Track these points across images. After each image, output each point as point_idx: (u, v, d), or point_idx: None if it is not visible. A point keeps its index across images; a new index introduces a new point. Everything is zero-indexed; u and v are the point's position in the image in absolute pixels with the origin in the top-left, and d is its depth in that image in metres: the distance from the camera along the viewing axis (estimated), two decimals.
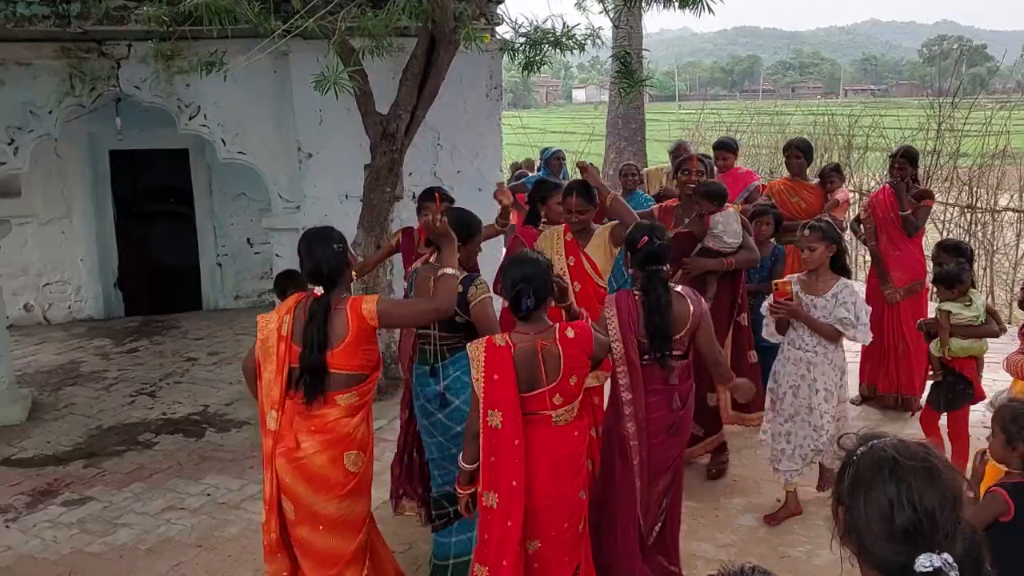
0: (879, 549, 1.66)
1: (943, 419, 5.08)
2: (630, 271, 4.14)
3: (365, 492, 3.71)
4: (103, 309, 9.96)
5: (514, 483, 3.36)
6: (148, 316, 9.95)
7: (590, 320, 3.83)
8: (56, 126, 6.83)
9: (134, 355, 8.58)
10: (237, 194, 10.09)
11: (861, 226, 6.68)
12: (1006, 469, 3.09)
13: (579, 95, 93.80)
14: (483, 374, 3.38)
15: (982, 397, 4.97)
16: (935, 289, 4.82)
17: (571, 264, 4.76)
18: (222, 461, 5.99)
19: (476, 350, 3.42)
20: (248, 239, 10.27)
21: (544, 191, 5.43)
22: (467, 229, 4.23)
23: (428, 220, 3.93)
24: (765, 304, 4.66)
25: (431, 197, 4.97)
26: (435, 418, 4.20)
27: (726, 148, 7.28)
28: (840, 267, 4.62)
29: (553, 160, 8.50)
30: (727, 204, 5.41)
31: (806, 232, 4.55)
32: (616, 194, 4.90)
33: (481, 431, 3.40)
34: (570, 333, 3.43)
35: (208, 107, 6.93)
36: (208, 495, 5.51)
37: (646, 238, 3.88)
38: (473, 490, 3.54)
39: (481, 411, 3.39)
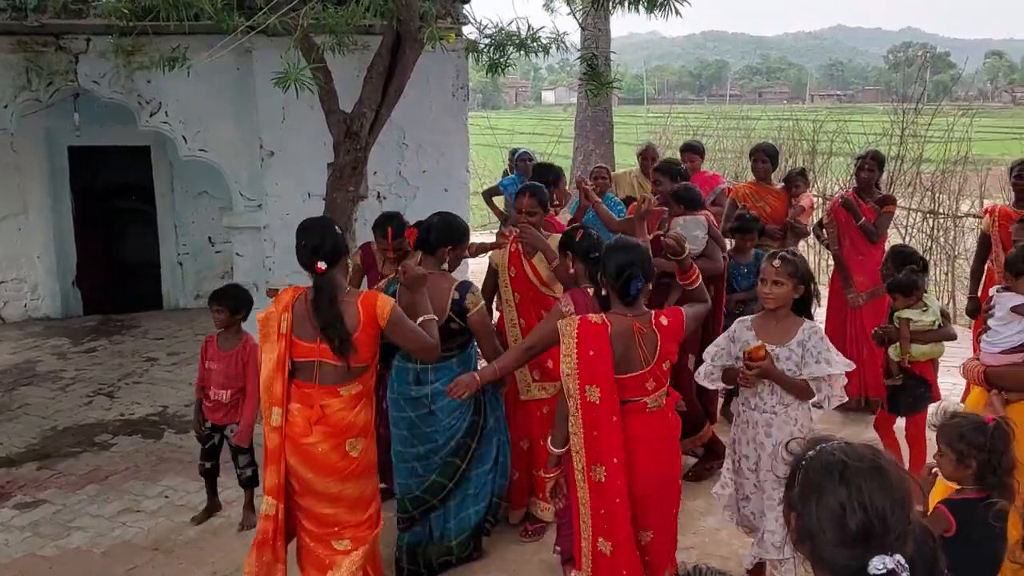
0: (833, 554, 1.66)
1: (900, 421, 5.12)
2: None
3: (370, 473, 3.84)
4: (61, 308, 9.77)
5: (615, 460, 3.41)
6: (107, 315, 9.78)
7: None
8: (12, 121, 6.68)
9: (92, 355, 8.43)
10: (199, 192, 9.95)
11: (824, 231, 6.73)
12: (956, 487, 3.09)
13: (548, 97, 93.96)
14: (576, 350, 3.41)
15: (939, 398, 5.01)
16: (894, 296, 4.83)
17: (512, 275, 4.78)
18: (181, 463, 5.90)
19: (568, 326, 3.47)
20: (210, 238, 10.13)
21: (552, 175, 5.65)
22: (455, 234, 4.31)
23: (398, 271, 4.07)
24: (712, 352, 3.99)
25: (383, 230, 4.99)
26: (406, 415, 4.19)
27: (692, 150, 7.32)
28: (803, 310, 3.88)
29: (520, 162, 8.46)
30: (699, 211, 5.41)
31: (775, 263, 3.75)
32: (598, 200, 5.03)
33: (580, 408, 3.42)
34: (664, 320, 3.53)
35: (169, 103, 6.81)
36: (166, 497, 5.42)
37: (580, 231, 4.29)
38: (559, 472, 3.64)
39: (578, 387, 3.41)
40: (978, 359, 3.87)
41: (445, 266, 4.34)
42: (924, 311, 4.74)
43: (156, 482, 5.63)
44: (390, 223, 4.99)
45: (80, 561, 4.71)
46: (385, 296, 3.76)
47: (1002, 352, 3.76)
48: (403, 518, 4.34)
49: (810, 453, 1.72)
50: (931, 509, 3.02)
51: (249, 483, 5.04)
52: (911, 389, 4.85)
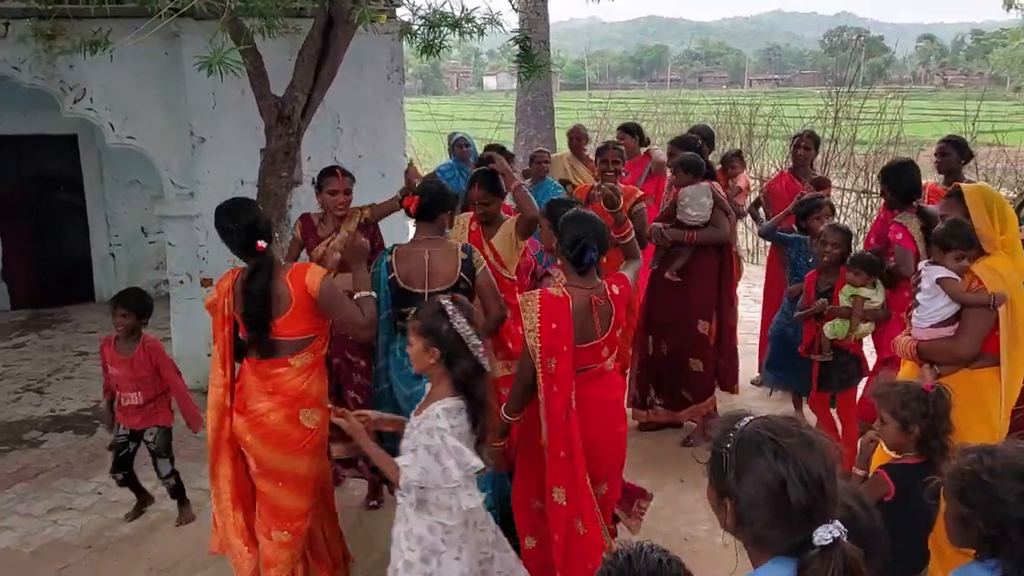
0: (773, 534, 1.65)
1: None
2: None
3: (322, 455, 3.84)
4: None
5: (565, 417, 3.53)
6: (36, 309, 9.49)
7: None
8: None
9: (20, 350, 8.18)
10: (130, 181, 9.69)
11: (760, 210, 6.79)
12: (893, 455, 3.15)
13: (490, 82, 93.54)
14: (539, 324, 3.48)
15: (868, 373, 5.10)
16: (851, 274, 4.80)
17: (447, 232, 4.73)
18: None
19: (530, 300, 3.55)
20: (142, 228, 9.89)
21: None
22: (450, 199, 4.31)
23: (345, 237, 4.05)
24: None
25: (332, 173, 4.93)
26: (415, 390, 4.02)
27: (625, 130, 7.31)
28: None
29: (456, 147, 8.37)
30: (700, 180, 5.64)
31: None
32: (520, 183, 4.86)
33: (541, 377, 3.52)
34: (616, 289, 3.67)
35: (94, 90, 6.60)
36: (99, 494, 5.28)
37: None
38: (505, 444, 3.72)
39: (540, 360, 3.50)
40: (909, 335, 3.93)
41: (447, 231, 4.34)
42: (876, 291, 4.78)
43: (88, 479, 5.47)
44: (337, 167, 5.00)
45: (9, 561, 4.57)
46: (315, 268, 3.71)
47: (932, 326, 3.82)
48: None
49: (732, 435, 1.70)
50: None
51: (175, 493, 4.95)
52: (843, 365, 4.91)
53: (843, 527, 1.59)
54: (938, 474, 2.84)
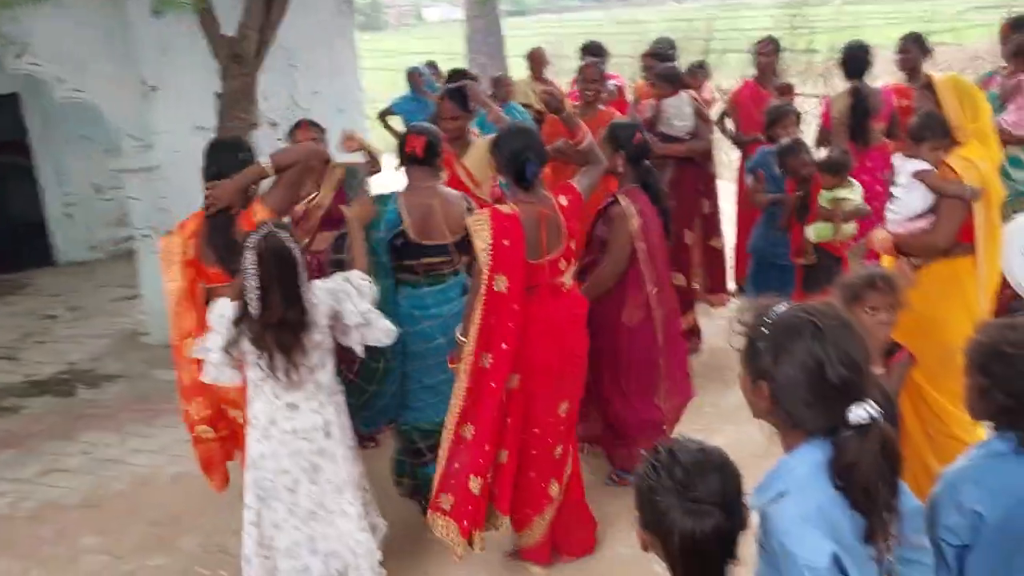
0: (810, 412, 1.68)
1: None
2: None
3: None
4: None
5: (504, 346, 3.46)
6: None
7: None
8: None
9: None
10: (78, 137, 9.32)
11: (727, 120, 6.76)
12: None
13: (431, 14, 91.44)
14: (490, 242, 3.40)
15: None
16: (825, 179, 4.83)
17: (444, 179, 4.64)
18: (97, 417, 5.69)
19: (480, 219, 3.46)
20: (97, 185, 9.59)
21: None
22: (441, 142, 4.09)
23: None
24: None
25: (299, 126, 4.81)
26: (436, 340, 3.97)
27: (586, 51, 7.22)
28: None
29: (410, 77, 8.19)
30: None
31: None
32: (500, 112, 4.79)
33: (484, 295, 3.43)
34: (564, 200, 3.59)
35: (38, 43, 6.32)
36: (87, 453, 5.24)
37: (638, 134, 4.21)
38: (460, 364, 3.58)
39: (487, 276, 3.42)
40: (885, 229, 3.96)
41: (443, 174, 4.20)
42: (852, 189, 4.81)
43: (75, 440, 5.41)
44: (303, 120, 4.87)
45: (5, 526, 4.53)
46: (265, 197, 3.66)
47: (908, 220, 3.86)
48: (414, 451, 4.13)
49: (768, 321, 1.72)
50: None
51: None
52: (827, 268, 4.95)
53: (878, 407, 1.62)
54: None
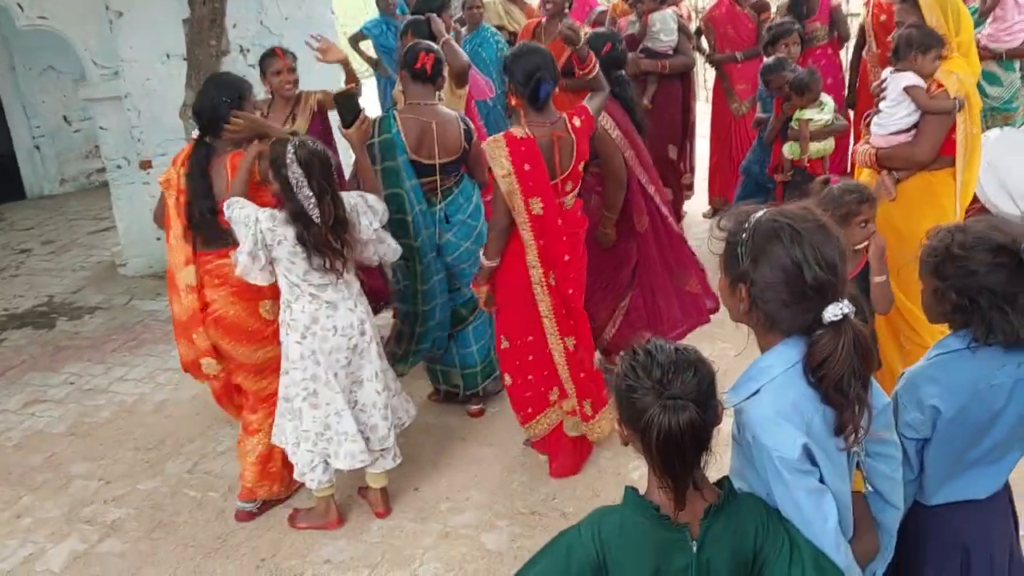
0: (787, 312, 1.74)
1: None
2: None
3: (277, 342, 3.71)
4: None
5: (565, 258, 3.62)
6: None
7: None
8: None
9: None
10: (44, 68, 9.13)
11: (703, 40, 6.70)
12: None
13: None
14: (511, 168, 3.45)
15: None
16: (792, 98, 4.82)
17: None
18: (79, 348, 5.70)
19: (496, 146, 3.48)
20: (65, 116, 9.40)
21: (437, 3, 5.26)
22: (442, 66, 4.10)
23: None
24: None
25: (273, 54, 4.67)
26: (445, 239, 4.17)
27: None
28: None
29: (380, 0, 7.99)
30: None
31: None
32: (447, 38, 4.70)
33: (529, 221, 3.53)
34: (577, 122, 3.60)
35: None
36: (71, 384, 5.26)
37: (609, 44, 4.18)
38: (488, 286, 3.74)
39: (523, 202, 3.49)
40: (868, 143, 3.98)
41: (440, 94, 4.21)
42: (821, 108, 4.81)
43: (57, 371, 5.43)
44: (276, 47, 4.75)
45: None
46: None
47: (891, 134, 3.87)
48: (431, 356, 4.40)
49: (747, 225, 1.77)
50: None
51: None
52: (799, 185, 4.97)
53: (851, 304, 1.68)
54: None
